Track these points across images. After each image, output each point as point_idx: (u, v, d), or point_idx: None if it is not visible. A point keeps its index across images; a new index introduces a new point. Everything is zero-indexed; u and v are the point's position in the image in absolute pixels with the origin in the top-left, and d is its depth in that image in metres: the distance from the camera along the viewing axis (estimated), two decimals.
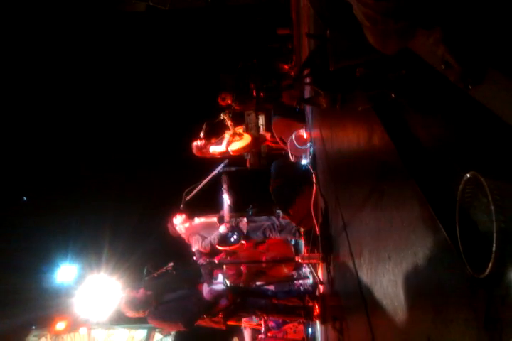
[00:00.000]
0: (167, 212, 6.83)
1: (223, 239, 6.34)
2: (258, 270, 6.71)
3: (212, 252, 6.49)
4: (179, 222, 6.54)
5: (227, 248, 6.42)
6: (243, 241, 6.46)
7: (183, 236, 6.55)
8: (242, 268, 6.53)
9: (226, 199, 6.89)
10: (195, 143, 7.36)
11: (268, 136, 7.66)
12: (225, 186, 7.01)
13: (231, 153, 7.34)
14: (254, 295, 6.04)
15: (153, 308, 5.36)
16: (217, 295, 5.51)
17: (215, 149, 7.29)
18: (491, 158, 1.31)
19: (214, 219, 6.76)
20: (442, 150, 1.63)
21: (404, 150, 1.93)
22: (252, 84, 8.33)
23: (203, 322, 5.57)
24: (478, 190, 1.23)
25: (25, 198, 11.56)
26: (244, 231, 6.48)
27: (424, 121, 1.86)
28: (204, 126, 7.26)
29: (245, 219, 6.63)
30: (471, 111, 1.45)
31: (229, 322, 5.77)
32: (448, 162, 1.56)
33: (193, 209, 7.31)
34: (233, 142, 7.26)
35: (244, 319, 7.64)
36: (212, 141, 7.30)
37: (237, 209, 7.04)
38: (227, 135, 7.31)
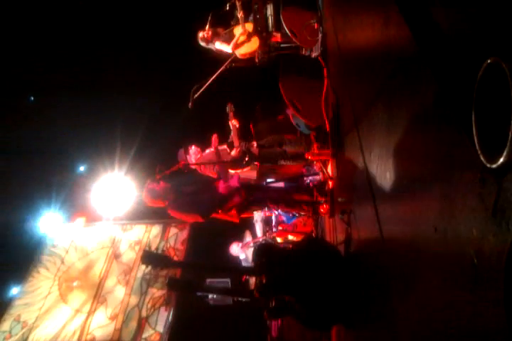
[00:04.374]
0: (177, 108, 6.74)
1: (236, 163, 6.38)
2: (269, 168, 6.83)
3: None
4: (192, 152, 6.51)
5: (239, 170, 6.47)
6: (256, 163, 6.51)
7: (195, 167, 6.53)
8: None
9: (234, 124, 6.74)
10: (200, 34, 6.96)
11: (278, 37, 7.22)
12: (231, 114, 6.80)
13: (238, 56, 6.99)
14: (266, 191, 6.22)
15: (172, 200, 5.63)
16: (232, 191, 5.72)
17: (222, 48, 6.94)
18: None
19: (224, 146, 6.70)
20: (463, 35, 1.52)
21: (421, 37, 1.81)
22: None
23: (218, 215, 5.83)
24: (498, 77, 1.16)
25: (32, 98, 11.41)
26: (256, 155, 6.49)
27: (445, 5, 1.71)
28: (209, 17, 6.81)
29: (255, 143, 6.60)
30: None
31: (242, 216, 6.03)
32: (468, 48, 1.45)
33: (201, 114, 7.25)
34: (241, 45, 6.86)
35: (255, 212, 7.93)
36: (220, 32, 6.88)
37: (245, 134, 6.95)
38: (236, 32, 6.89)
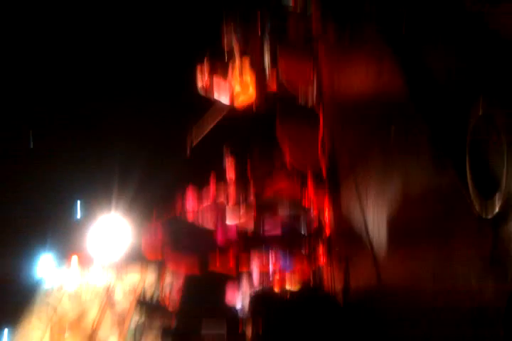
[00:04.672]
0: (176, 151, 6.77)
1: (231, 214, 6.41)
2: (266, 213, 6.80)
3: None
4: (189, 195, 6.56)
5: (237, 220, 6.47)
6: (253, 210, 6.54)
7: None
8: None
9: (229, 171, 6.79)
10: (199, 67, 7.05)
11: (274, 73, 7.28)
12: (227, 154, 6.88)
13: (236, 105, 7.10)
14: (263, 239, 6.21)
15: (170, 242, 5.64)
16: (229, 240, 5.75)
17: (220, 84, 7.01)
18: (506, 86, 1.22)
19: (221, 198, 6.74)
20: (454, 81, 1.55)
21: (414, 84, 1.84)
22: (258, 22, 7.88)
23: (216, 268, 5.83)
24: (490, 126, 1.17)
25: (31, 143, 11.51)
26: (253, 205, 6.53)
27: (435, 52, 1.76)
28: (207, 52, 6.95)
29: (253, 193, 6.65)
30: (484, 41, 1.36)
31: (239, 269, 6.04)
32: (460, 94, 1.47)
33: (200, 154, 7.30)
34: (237, 80, 6.92)
35: (252, 262, 7.84)
36: (218, 65, 6.94)
37: (241, 181, 6.98)
38: (233, 66, 6.99)
